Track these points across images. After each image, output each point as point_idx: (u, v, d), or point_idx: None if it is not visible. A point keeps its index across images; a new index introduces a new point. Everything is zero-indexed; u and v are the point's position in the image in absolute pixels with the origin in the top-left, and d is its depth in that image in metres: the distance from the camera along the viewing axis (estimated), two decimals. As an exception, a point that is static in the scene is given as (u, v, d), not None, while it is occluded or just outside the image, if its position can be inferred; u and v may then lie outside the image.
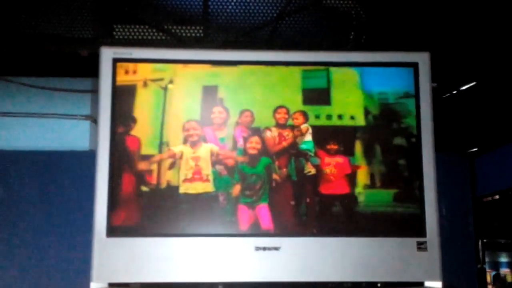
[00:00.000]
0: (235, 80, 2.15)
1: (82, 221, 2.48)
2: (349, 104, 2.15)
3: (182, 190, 2.05)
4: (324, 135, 2.13)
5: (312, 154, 2.12)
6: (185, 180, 2.05)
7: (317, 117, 2.14)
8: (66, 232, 2.57)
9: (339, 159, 2.12)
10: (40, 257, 2.55)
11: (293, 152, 2.12)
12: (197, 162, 2.07)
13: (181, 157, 2.07)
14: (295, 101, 2.14)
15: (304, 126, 2.14)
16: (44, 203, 2.60)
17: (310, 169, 2.11)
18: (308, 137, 2.14)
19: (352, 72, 2.17)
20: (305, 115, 2.14)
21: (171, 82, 2.13)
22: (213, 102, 2.12)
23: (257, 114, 2.13)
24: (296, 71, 2.16)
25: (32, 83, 2.61)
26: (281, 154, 2.12)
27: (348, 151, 2.13)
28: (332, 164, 2.11)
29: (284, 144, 2.12)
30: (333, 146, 2.12)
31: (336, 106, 2.14)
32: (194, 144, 2.09)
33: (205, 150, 2.09)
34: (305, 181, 2.10)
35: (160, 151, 2.08)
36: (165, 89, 2.13)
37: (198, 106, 2.12)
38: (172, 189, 2.05)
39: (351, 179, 2.11)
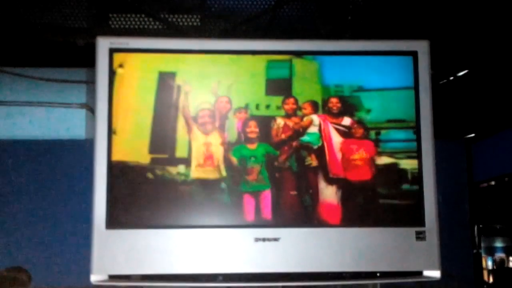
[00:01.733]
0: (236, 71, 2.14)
1: (79, 210, 2.50)
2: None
3: (194, 175, 2.05)
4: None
5: (315, 146, 2.12)
6: (198, 166, 2.06)
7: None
8: (63, 222, 2.56)
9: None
10: (37, 248, 2.54)
11: (295, 144, 2.12)
12: (208, 148, 2.07)
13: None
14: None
15: (307, 118, 2.14)
16: (40, 192, 2.58)
17: (311, 161, 2.11)
18: (313, 129, 2.14)
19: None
20: (314, 105, 2.13)
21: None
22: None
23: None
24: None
25: (26, 73, 2.57)
26: (282, 145, 2.11)
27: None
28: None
29: (283, 136, 2.12)
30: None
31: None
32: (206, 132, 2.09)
33: (215, 137, 2.09)
34: (306, 171, 2.10)
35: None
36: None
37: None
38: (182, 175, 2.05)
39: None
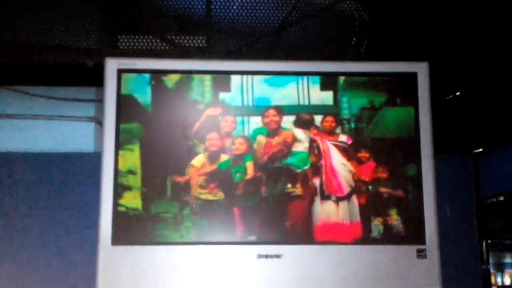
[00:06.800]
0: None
1: (87, 223, 2.52)
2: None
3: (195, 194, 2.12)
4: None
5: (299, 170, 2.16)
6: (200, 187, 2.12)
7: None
8: (71, 235, 2.59)
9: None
10: (44, 261, 2.57)
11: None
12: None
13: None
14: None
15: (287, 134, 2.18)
16: (48, 204, 2.62)
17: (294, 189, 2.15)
18: (300, 147, 2.18)
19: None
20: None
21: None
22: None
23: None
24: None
25: (38, 92, 2.66)
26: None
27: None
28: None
29: (265, 157, 2.16)
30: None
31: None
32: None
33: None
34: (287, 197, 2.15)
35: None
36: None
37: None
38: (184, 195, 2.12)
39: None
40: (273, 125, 2.19)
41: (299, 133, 2.19)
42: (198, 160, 2.15)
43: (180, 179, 2.12)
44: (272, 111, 2.19)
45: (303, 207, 2.13)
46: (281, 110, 2.19)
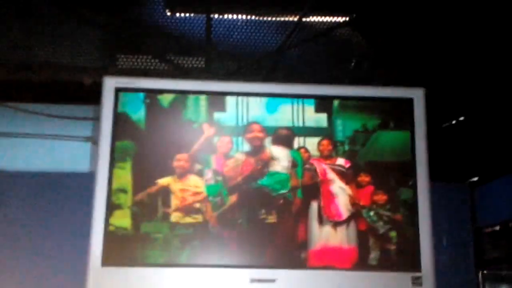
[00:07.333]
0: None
1: (81, 243, 2.50)
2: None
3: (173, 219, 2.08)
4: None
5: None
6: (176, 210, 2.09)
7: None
8: (65, 255, 2.57)
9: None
10: (36, 282, 2.55)
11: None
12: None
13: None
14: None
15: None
16: (42, 224, 2.61)
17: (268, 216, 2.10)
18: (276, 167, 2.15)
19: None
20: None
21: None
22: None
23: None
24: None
25: (33, 109, 2.67)
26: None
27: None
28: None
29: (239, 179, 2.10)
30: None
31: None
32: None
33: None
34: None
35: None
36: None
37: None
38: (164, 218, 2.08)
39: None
40: (256, 142, 2.18)
41: (278, 151, 2.16)
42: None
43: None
44: (256, 126, 2.18)
45: (299, 230, 2.10)
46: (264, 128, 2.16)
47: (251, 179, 2.13)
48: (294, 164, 2.14)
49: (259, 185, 2.12)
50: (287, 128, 2.17)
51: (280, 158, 2.15)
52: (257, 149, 2.15)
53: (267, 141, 2.16)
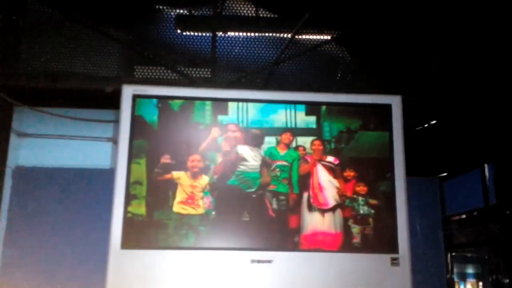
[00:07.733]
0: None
1: (104, 229, 2.45)
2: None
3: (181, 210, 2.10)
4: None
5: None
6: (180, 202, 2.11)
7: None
8: (87, 243, 2.56)
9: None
10: (61, 269, 2.54)
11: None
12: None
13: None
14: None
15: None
16: (67, 215, 2.61)
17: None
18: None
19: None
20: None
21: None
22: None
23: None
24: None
25: (60, 113, 2.67)
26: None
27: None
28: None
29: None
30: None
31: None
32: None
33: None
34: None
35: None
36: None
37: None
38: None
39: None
40: (231, 142, 2.19)
41: (247, 150, 2.18)
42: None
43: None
44: (232, 127, 2.20)
45: (293, 218, 2.12)
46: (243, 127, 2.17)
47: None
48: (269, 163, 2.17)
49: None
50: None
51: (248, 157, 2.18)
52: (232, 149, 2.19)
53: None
